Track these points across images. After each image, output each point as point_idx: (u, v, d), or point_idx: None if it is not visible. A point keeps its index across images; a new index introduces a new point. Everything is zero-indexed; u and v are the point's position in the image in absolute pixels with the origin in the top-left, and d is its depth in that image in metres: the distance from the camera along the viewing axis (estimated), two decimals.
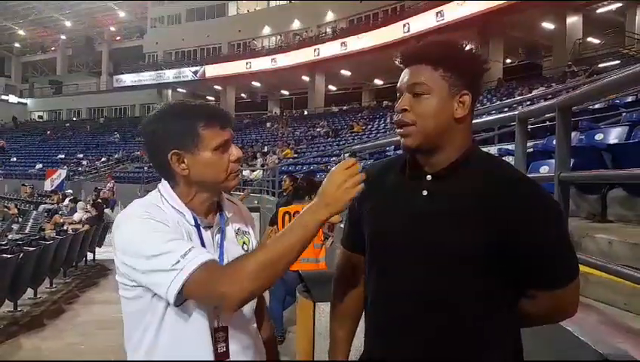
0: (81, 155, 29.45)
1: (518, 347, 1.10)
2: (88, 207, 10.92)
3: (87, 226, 9.12)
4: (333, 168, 1.06)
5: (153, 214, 1.13)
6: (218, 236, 1.22)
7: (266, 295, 1.54)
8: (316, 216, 1.03)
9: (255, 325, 1.31)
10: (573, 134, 3.61)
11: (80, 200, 12.67)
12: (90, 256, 9.02)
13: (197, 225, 1.19)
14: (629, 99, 6.60)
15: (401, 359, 1.07)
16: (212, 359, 1.15)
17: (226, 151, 1.18)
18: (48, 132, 35.60)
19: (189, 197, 1.20)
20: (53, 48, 45.68)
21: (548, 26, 20.19)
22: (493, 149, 6.37)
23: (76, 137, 34.57)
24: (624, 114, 5.58)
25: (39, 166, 27.12)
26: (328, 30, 28.80)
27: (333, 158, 13.91)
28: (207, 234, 1.20)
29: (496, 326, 1.05)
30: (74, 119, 40.90)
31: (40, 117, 43.81)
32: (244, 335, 1.23)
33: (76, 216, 10.35)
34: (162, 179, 1.22)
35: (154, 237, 1.08)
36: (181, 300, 1.07)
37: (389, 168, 1.19)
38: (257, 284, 1.03)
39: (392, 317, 1.09)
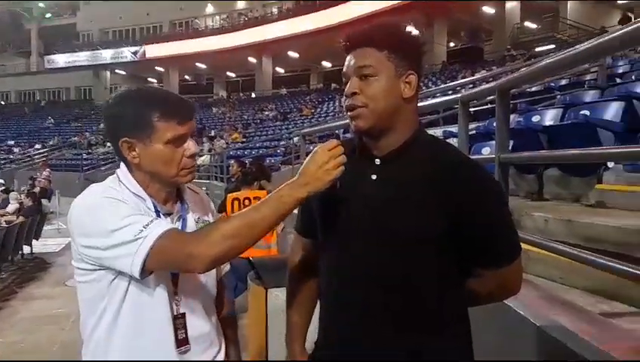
0: (12, 142, 27.55)
1: (467, 325, 1.14)
2: (22, 197, 10.29)
3: (21, 218, 8.60)
4: (316, 148, 1.06)
5: (111, 194, 1.12)
6: (178, 223, 1.21)
7: None
8: (294, 193, 1.04)
9: (215, 314, 1.31)
10: (512, 116, 3.78)
11: (13, 191, 11.89)
12: (27, 249, 8.52)
13: (157, 211, 1.17)
14: (563, 82, 6.98)
15: (358, 342, 1.09)
16: (173, 345, 1.15)
17: (181, 145, 1.15)
18: None
19: (145, 183, 1.18)
20: None
21: (489, 10, 20.88)
22: (438, 131, 6.55)
23: (6, 122, 32.27)
24: (558, 96, 5.89)
25: None
26: (274, 10, 28.28)
27: (282, 142, 13.83)
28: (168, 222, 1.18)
29: (451, 306, 1.09)
30: (2, 103, 38.10)
31: None
32: (203, 321, 1.23)
33: (10, 208, 9.75)
34: (121, 165, 1.20)
35: (114, 213, 1.07)
36: (146, 273, 1.06)
37: None
38: (227, 245, 1.03)
39: (346, 301, 1.11)
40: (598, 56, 3.56)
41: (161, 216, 1.17)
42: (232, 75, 33.25)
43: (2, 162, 22.95)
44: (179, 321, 1.17)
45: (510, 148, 2.37)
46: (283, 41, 25.86)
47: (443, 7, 19.96)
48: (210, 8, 31.14)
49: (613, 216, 2.42)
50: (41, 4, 38.38)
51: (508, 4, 20.07)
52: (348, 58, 1.10)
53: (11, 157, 24.74)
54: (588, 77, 6.76)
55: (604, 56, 4.74)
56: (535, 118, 4.15)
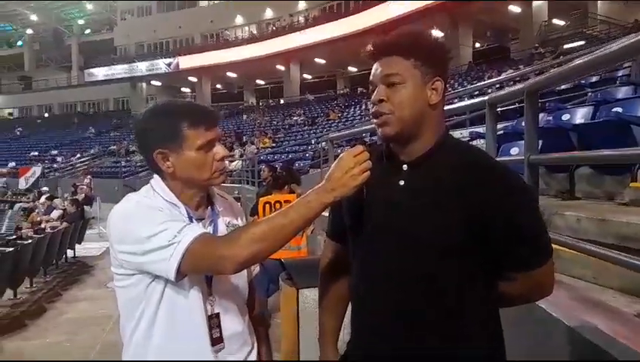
0: (55, 152, 28.73)
1: (498, 327, 1.14)
2: (66, 203, 10.71)
3: (65, 224, 8.96)
4: (342, 154, 1.08)
5: (146, 202, 1.19)
6: (210, 228, 1.26)
7: None
8: (320, 198, 1.06)
9: (247, 314, 1.36)
10: (541, 115, 3.71)
11: (57, 198, 12.41)
12: (70, 253, 8.87)
13: (189, 217, 1.23)
14: (594, 79, 6.78)
15: (387, 345, 1.09)
16: (208, 343, 1.20)
17: (210, 150, 1.22)
18: (18, 132, 34.48)
19: (178, 191, 1.24)
20: (19, 43, 44.14)
21: (514, 9, 20.40)
22: (465, 133, 6.48)
23: (49, 133, 33.68)
24: (589, 94, 5.72)
25: (12, 164, 26.37)
26: (301, 19, 28.55)
27: (311, 146, 13.92)
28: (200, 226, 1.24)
29: (479, 309, 1.09)
30: (45, 115, 39.78)
31: (10, 114, 42.49)
32: (236, 321, 1.28)
33: (54, 214, 10.15)
34: (154, 175, 1.27)
35: (149, 220, 1.13)
36: (181, 276, 1.12)
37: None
38: (256, 248, 1.07)
39: (374, 304, 1.12)
40: (636, 53, 3.41)
41: (194, 221, 1.21)
42: (262, 82, 33.72)
43: (46, 171, 23.93)
44: (213, 321, 1.21)
45: (539, 147, 2.35)
46: (310, 48, 26.06)
47: (468, 7, 19.65)
48: (239, 19, 31.69)
49: None
50: (80, 21, 40.04)
51: (535, 2, 19.53)
52: (375, 66, 1.11)
53: (55, 166, 25.82)
54: (620, 73, 6.54)
55: None
56: (565, 117, 4.06)
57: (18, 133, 34.41)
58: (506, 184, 1.05)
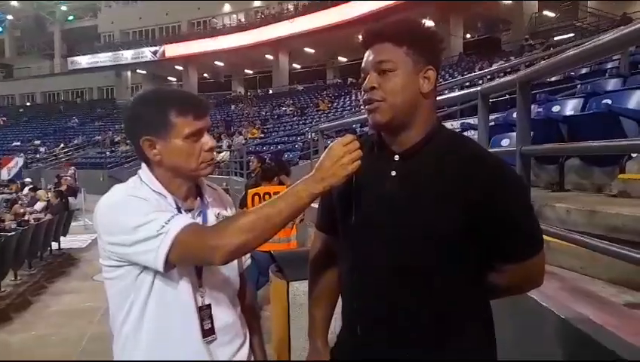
0: (38, 142, 28.27)
1: (489, 318, 1.14)
2: (49, 195, 10.56)
3: (49, 215, 8.84)
4: (332, 143, 1.07)
5: (134, 193, 1.17)
6: (199, 219, 1.25)
7: None
8: (310, 188, 1.05)
9: (239, 306, 1.34)
10: (532, 107, 3.72)
11: (40, 189, 12.22)
12: (55, 245, 8.77)
13: (178, 208, 1.21)
14: (584, 70, 6.83)
15: (379, 336, 1.10)
16: (199, 335, 1.19)
17: (198, 140, 1.19)
18: (1, 121, 33.80)
19: (166, 181, 1.22)
20: None
21: (505, 0, 20.48)
22: (456, 124, 6.50)
23: (32, 123, 33.09)
24: (579, 86, 5.77)
25: None
26: (290, 7, 28.30)
27: (300, 137, 13.88)
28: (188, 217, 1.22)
29: (472, 300, 1.09)
30: (27, 104, 39.06)
31: None
32: (228, 312, 1.27)
33: (38, 206, 10.01)
34: (142, 165, 1.25)
35: (136, 210, 1.11)
36: (169, 266, 1.10)
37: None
38: (244, 238, 1.05)
39: (366, 296, 1.11)
40: (625, 46, 3.45)
41: (182, 212, 1.20)
42: (250, 72, 33.44)
43: (29, 161, 23.55)
44: (204, 312, 1.20)
45: (531, 138, 2.35)
46: (299, 37, 25.88)
47: None
48: (227, 7, 31.32)
49: (637, 206, 2.38)
50: (63, 7, 39.17)
51: None
52: (366, 53, 1.10)
53: (38, 156, 25.41)
54: (609, 65, 6.59)
55: (631, 45, 4.62)
56: (555, 108, 4.09)
57: (1, 122, 33.70)
58: (498, 175, 1.05)
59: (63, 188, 12.22)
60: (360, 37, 1.13)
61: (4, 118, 34.22)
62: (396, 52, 1.06)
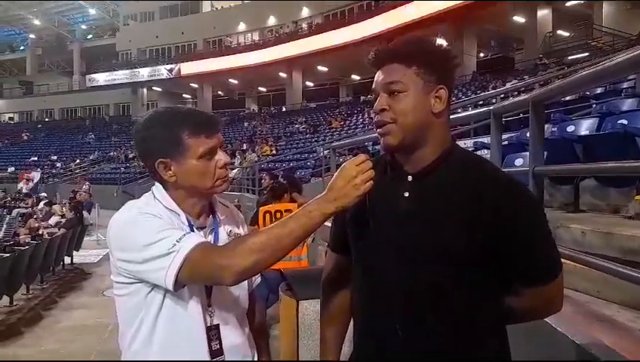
0: (55, 157, 28.77)
1: (504, 342, 1.11)
2: (64, 210, 10.68)
3: (63, 230, 8.93)
4: (344, 163, 1.06)
5: (146, 210, 1.17)
6: (211, 237, 1.25)
7: None
8: (322, 209, 1.04)
9: (247, 326, 1.33)
10: (545, 126, 3.70)
11: (55, 204, 12.37)
12: (67, 260, 8.83)
13: (190, 226, 1.21)
14: (599, 90, 6.78)
15: (392, 357, 1.08)
16: (207, 355, 1.18)
17: (212, 157, 1.20)
18: (25, 136, 34.41)
19: (180, 199, 1.22)
20: (22, 48, 44.38)
21: (519, 19, 20.55)
22: (469, 143, 6.47)
23: (50, 138, 33.74)
24: (594, 105, 5.73)
25: (11, 169, 26.38)
26: (304, 26, 28.71)
27: (313, 155, 13.92)
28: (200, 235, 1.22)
29: (486, 323, 1.06)
30: (46, 120, 39.90)
31: (11, 118, 42.58)
32: (236, 332, 1.26)
33: (52, 220, 10.12)
34: (156, 183, 1.25)
35: (148, 228, 1.11)
36: (179, 285, 1.10)
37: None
38: (255, 258, 1.04)
39: (378, 317, 1.09)
40: None
41: (195, 230, 1.20)
42: (263, 89, 33.86)
43: (45, 176, 23.92)
44: (213, 332, 1.20)
45: (544, 158, 2.33)
46: (312, 55, 26.18)
47: (473, 17, 19.77)
48: (242, 26, 31.89)
49: None
50: (83, 26, 40.27)
51: (539, 13, 19.68)
52: (377, 74, 1.10)
53: (54, 171, 25.81)
54: (625, 85, 6.54)
55: None
56: (570, 128, 4.05)
57: (25, 137, 34.33)
58: (515, 198, 1.03)
59: (80, 198, 12.32)
60: (370, 57, 1.12)
61: (28, 133, 34.89)
62: (406, 72, 1.05)
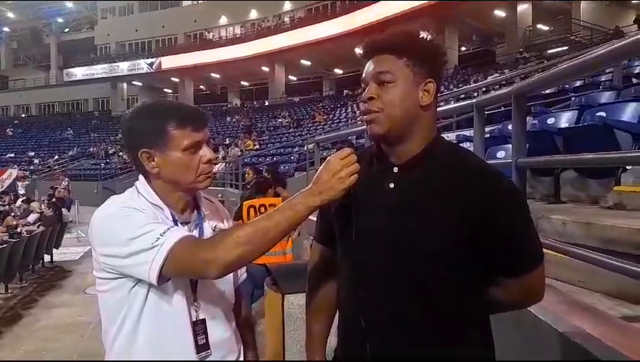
0: (32, 153, 28.13)
1: (488, 333, 1.13)
2: (43, 207, 10.48)
3: (42, 228, 8.76)
4: (329, 157, 1.06)
5: (130, 204, 1.15)
6: (195, 232, 1.24)
7: None
8: (307, 202, 1.04)
9: (234, 321, 1.32)
10: (527, 119, 3.74)
11: (34, 201, 12.13)
12: (47, 258, 8.67)
13: (174, 220, 1.19)
14: (578, 83, 6.90)
15: (375, 349, 1.08)
16: (193, 350, 1.17)
17: (197, 152, 1.18)
18: (10, 131, 33.42)
19: (164, 193, 1.21)
20: None
21: (500, 13, 20.78)
22: (452, 135, 6.52)
23: (27, 134, 32.95)
24: (573, 98, 5.82)
25: None
26: (286, 20, 28.54)
27: (296, 149, 13.89)
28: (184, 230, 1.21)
29: (471, 314, 1.08)
30: (22, 115, 38.97)
31: None
32: (222, 327, 1.25)
33: (31, 218, 9.93)
34: (140, 177, 1.23)
35: (132, 222, 1.10)
36: (164, 279, 1.09)
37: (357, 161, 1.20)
38: (241, 251, 1.04)
39: (366, 309, 1.09)
40: (619, 59, 3.49)
41: (179, 224, 1.19)
42: (246, 83, 33.58)
43: (23, 174, 23.38)
44: (199, 327, 1.19)
45: (526, 150, 2.36)
46: (295, 49, 26.07)
47: (454, 11, 19.92)
48: (223, 19, 31.55)
49: (632, 218, 2.37)
50: (60, 20, 39.33)
51: (519, 7, 19.96)
52: (367, 64, 1.10)
53: (32, 168, 25.26)
54: (603, 78, 6.67)
55: (624, 59, 4.67)
56: (550, 120, 4.11)
57: (10, 132, 33.38)
58: (497, 188, 1.04)
59: (59, 195, 12.11)
60: (361, 48, 1.12)
61: (12, 129, 33.96)
62: (396, 63, 1.06)
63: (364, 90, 1.09)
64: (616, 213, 2.67)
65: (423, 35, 1.11)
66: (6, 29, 41.29)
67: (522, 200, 1.11)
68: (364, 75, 1.10)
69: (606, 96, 4.73)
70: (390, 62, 1.06)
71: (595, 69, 3.64)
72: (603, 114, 3.51)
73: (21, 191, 17.44)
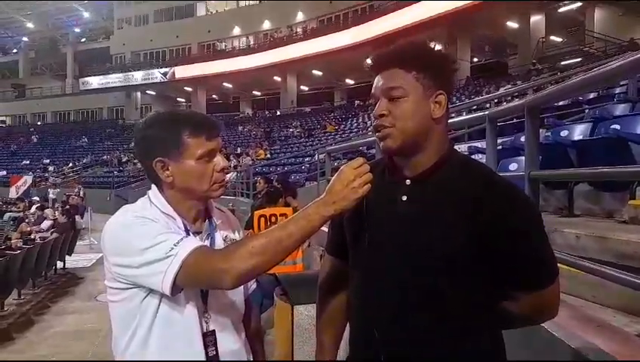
0: (47, 161, 28.55)
1: (500, 347, 1.11)
2: (57, 214, 10.60)
3: (55, 234, 8.85)
4: (342, 167, 1.06)
5: (143, 214, 1.15)
6: (207, 242, 1.24)
7: None
8: (320, 212, 1.04)
9: (243, 332, 1.32)
10: (540, 131, 3.71)
11: (48, 208, 12.28)
12: (60, 264, 8.75)
13: (186, 230, 1.19)
14: (591, 96, 6.84)
15: (391, 358, 1.07)
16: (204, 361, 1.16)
17: (211, 160, 1.19)
18: (35, 138, 33.97)
19: (176, 203, 1.21)
20: (14, 50, 44.12)
21: (512, 24, 20.71)
22: (463, 147, 6.49)
23: (42, 142, 33.49)
24: (587, 110, 5.77)
25: (3, 173, 26.16)
26: (299, 30, 28.77)
27: (307, 159, 13.92)
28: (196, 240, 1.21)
29: (480, 327, 1.06)
30: (38, 123, 39.62)
31: (2, 121, 42.28)
32: (232, 338, 1.24)
33: (44, 224, 10.04)
34: (152, 186, 1.24)
35: (145, 232, 1.10)
36: (177, 289, 1.08)
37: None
38: (255, 262, 1.03)
39: (375, 321, 1.09)
40: (635, 72, 3.44)
41: (191, 234, 1.19)
42: (258, 93, 33.81)
43: (38, 180, 23.73)
44: (209, 338, 1.18)
45: (539, 162, 2.34)
46: (307, 59, 26.20)
47: (466, 22, 19.90)
48: (236, 30, 31.89)
49: None
50: (77, 29, 40.09)
51: (532, 18, 19.85)
52: (376, 79, 1.09)
53: (46, 175, 25.62)
54: (617, 90, 6.60)
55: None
56: (563, 133, 4.07)
57: (35, 139, 33.87)
58: (510, 201, 1.03)
59: (72, 202, 12.24)
60: (369, 62, 1.12)
61: (37, 135, 34.46)
62: (406, 78, 1.05)
63: (375, 104, 1.09)
64: (631, 227, 2.62)
65: (431, 45, 1.10)
66: (25, 38, 42.21)
67: (537, 213, 1.10)
68: (373, 90, 1.10)
69: (620, 109, 4.68)
70: (399, 76, 1.06)
71: (610, 82, 3.60)
72: (617, 126, 3.47)
73: (52, 197, 17.73)
